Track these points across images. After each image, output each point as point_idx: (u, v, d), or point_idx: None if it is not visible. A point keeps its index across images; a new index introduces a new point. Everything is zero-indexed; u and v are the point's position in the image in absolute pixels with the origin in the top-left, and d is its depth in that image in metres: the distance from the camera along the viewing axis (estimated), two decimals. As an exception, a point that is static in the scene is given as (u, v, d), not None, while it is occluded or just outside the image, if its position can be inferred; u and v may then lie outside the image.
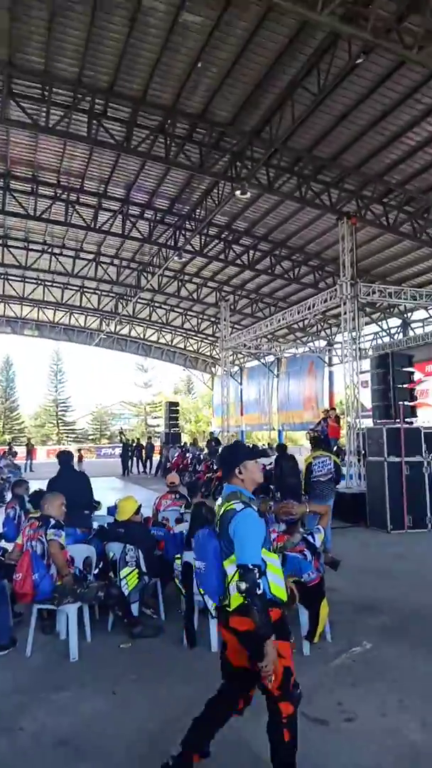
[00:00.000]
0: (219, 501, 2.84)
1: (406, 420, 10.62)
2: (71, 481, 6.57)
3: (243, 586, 2.52)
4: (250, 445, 26.15)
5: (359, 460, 12.07)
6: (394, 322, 23.45)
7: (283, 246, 18.91)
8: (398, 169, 13.25)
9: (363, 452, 11.50)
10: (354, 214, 13.83)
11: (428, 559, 7.65)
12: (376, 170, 13.44)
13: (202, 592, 2.87)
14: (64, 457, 7.01)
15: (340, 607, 5.43)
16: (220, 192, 14.91)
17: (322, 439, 9.35)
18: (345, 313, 13.66)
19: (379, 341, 23.86)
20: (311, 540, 4.85)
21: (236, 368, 32.11)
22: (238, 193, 13.34)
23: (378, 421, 11.30)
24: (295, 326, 24.78)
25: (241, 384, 33.08)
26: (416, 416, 11.40)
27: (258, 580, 2.53)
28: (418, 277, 19.23)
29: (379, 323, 23.72)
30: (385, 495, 9.74)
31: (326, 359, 26.61)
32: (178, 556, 5.07)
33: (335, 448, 14.68)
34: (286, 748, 2.60)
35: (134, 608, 5.06)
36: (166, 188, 16.09)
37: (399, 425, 10.40)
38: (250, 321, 24.83)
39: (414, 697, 3.73)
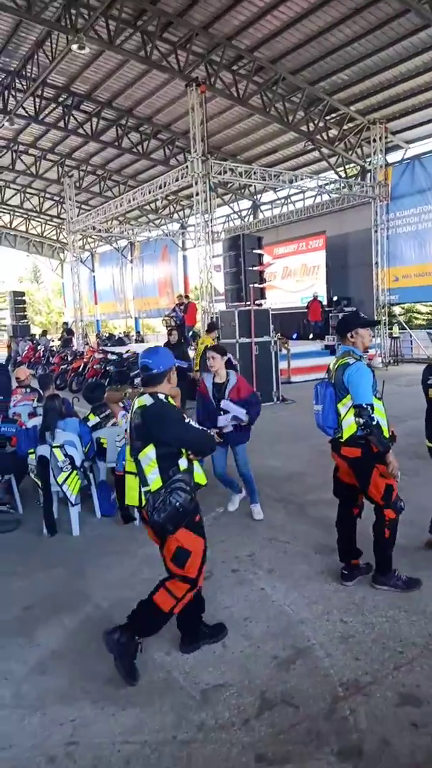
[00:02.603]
0: (334, 359, 3.59)
1: (256, 302, 11.01)
2: None
3: (361, 420, 3.28)
4: (106, 334, 25.69)
5: (213, 343, 12.41)
6: (245, 204, 23.43)
7: (129, 115, 17.39)
8: (247, 33, 12.48)
9: (217, 335, 11.84)
10: (203, 81, 12.93)
11: (268, 428, 8.46)
12: (225, 32, 12.54)
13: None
14: None
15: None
16: (54, 46, 12.98)
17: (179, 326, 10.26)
18: (197, 194, 13.22)
19: (231, 224, 23.84)
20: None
21: (87, 254, 30.33)
22: (75, 47, 11.76)
23: (230, 304, 11.56)
24: (147, 207, 23.72)
25: (93, 271, 31.52)
26: (265, 298, 11.83)
27: (372, 414, 3.27)
28: (267, 156, 19.07)
29: (231, 205, 23.55)
30: (237, 375, 10.22)
31: (180, 243, 26.14)
32: (32, 450, 4.91)
33: (190, 335, 14.94)
34: (386, 542, 3.46)
35: (-13, 507, 4.91)
36: (-13, 36, 13.61)
37: (249, 308, 10.77)
38: (99, 201, 23.14)
39: (263, 550, 4.19)
